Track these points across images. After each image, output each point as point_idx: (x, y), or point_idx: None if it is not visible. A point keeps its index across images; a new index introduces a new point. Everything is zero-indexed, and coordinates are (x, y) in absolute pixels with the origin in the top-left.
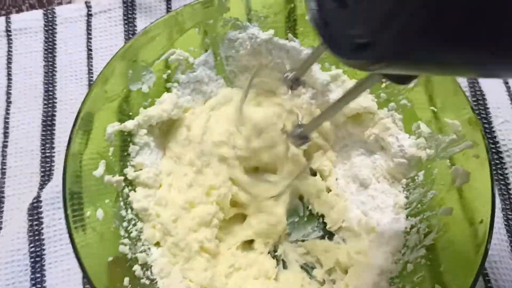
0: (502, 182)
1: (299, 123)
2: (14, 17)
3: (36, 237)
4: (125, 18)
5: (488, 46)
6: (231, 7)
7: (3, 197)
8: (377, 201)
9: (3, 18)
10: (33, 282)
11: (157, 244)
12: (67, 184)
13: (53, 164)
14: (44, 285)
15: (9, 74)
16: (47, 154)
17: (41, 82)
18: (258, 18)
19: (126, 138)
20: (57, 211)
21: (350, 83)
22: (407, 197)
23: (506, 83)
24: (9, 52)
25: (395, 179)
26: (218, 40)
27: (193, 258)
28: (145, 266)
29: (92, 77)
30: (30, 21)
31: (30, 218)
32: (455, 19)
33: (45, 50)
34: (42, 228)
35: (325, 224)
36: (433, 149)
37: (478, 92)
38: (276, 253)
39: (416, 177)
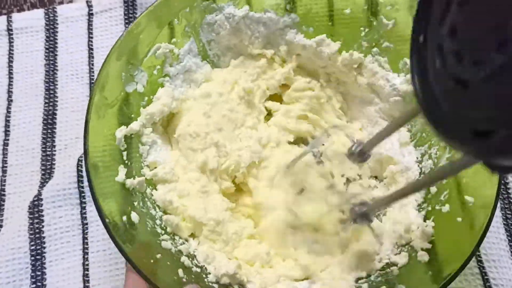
0: (502, 182)
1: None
2: (15, 16)
3: (37, 235)
4: (126, 17)
5: None
6: None
7: (3, 195)
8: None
9: (4, 17)
10: (33, 280)
11: (192, 235)
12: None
13: (53, 162)
14: (44, 283)
15: (10, 73)
16: (48, 153)
17: (42, 81)
18: None
19: (130, 141)
20: (58, 209)
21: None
22: (409, 131)
23: None
24: (10, 51)
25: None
26: (197, 27)
27: (232, 239)
28: (190, 256)
29: (93, 76)
30: (31, 20)
31: (31, 216)
32: None
33: (46, 49)
34: (43, 226)
35: None
36: None
37: None
38: None
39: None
